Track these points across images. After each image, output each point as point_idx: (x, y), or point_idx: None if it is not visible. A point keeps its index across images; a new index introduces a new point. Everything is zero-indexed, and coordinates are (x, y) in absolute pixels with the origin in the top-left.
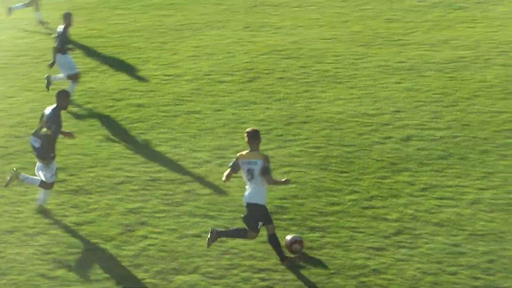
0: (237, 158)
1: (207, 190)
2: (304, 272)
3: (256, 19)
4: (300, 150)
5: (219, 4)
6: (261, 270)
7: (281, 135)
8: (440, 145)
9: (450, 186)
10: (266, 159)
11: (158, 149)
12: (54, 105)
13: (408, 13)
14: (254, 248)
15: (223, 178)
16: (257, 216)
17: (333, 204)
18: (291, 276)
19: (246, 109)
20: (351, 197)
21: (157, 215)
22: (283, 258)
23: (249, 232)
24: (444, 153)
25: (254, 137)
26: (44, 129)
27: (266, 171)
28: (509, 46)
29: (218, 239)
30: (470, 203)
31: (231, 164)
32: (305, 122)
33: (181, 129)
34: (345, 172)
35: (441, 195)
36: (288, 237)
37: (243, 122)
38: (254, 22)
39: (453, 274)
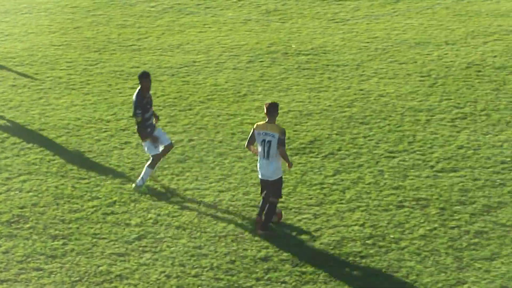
0: (254, 129)
1: None
2: (44, 281)
3: None
4: (37, 158)
5: None
6: None
7: (16, 143)
8: (177, 148)
9: (190, 189)
10: (282, 132)
11: None
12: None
13: (140, 18)
14: None
15: (246, 147)
16: (280, 187)
17: (74, 211)
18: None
19: None
20: (92, 203)
21: None
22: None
23: (277, 202)
24: (181, 157)
25: (272, 110)
26: None
27: (282, 143)
28: (239, 50)
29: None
30: (210, 205)
31: (249, 135)
32: (41, 130)
33: None
34: (85, 178)
35: (181, 199)
36: None
37: None
38: None
39: (197, 276)
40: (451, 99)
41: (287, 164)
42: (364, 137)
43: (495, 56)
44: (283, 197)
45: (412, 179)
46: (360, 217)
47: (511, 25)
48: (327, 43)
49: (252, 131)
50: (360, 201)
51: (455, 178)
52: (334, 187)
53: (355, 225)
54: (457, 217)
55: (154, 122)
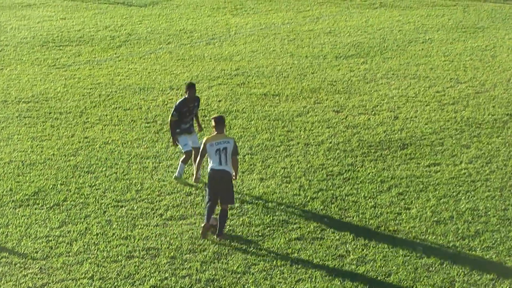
0: (204, 143)
1: None
2: None
3: None
4: None
5: None
6: None
7: None
8: None
9: None
10: (235, 141)
11: None
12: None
13: None
14: None
15: (194, 171)
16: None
17: None
18: None
19: None
20: None
21: None
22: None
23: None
24: None
25: (222, 121)
26: None
27: (236, 152)
28: None
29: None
30: None
31: (200, 150)
32: None
33: None
34: None
35: None
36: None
37: None
38: None
39: None
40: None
41: (233, 175)
42: (90, 186)
43: (219, 101)
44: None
45: (141, 228)
46: (89, 269)
47: (234, 69)
48: (49, 90)
49: (203, 146)
50: (88, 253)
51: (185, 226)
52: (61, 239)
53: (84, 278)
54: (187, 266)
55: (193, 129)
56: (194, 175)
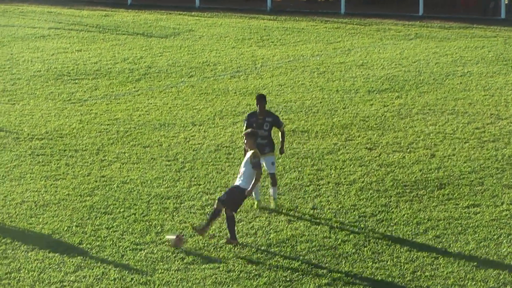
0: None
1: None
2: None
3: None
4: None
5: None
6: None
7: None
8: None
9: None
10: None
11: None
12: None
13: None
14: None
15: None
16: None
17: None
18: None
19: None
20: None
21: None
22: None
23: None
24: None
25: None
26: None
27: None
28: None
29: None
30: None
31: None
32: None
33: None
34: None
35: None
36: None
37: None
38: None
39: None
40: (200, 185)
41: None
42: (107, 228)
43: None
44: None
45: (161, 272)
46: None
47: None
48: (63, 126)
49: (260, 161)
50: None
51: (208, 271)
52: (76, 284)
53: None
54: None
55: (268, 150)
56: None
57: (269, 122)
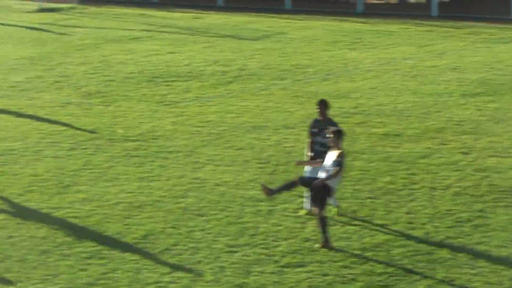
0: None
1: None
2: None
3: None
4: None
5: None
6: None
7: None
8: None
9: None
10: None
11: None
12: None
13: None
14: None
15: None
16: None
17: None
18: None
19: None
20: None
21: None
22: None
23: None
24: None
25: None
26: None
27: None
28: (59, 136)
29: None
30: None
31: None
32: None
33: None
34: None
35: None
36: None
37: None
38: None
39: None
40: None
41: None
42: (202, 230)
43: None
44: None
45: (256, 275)
46: None
47: (352, 107)
48: (157, 128)
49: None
50: None
51: (303, 274)
52: (172, 286)
53: None
54: None
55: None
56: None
57: (327, 128)
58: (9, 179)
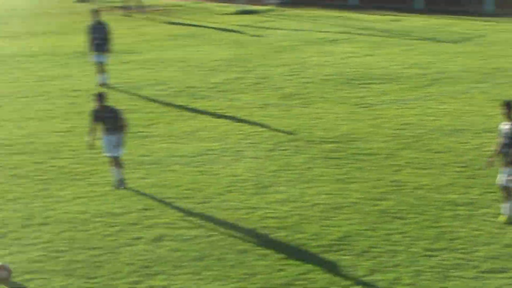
0: None
1: None
2: None
3: None
4: (41, 255)
5: None
6: None
7: (18, 239)
8: (194, 245)
9: None
10: None
11: None
12: None
13: (148, 103)
14: None
15: None
16: None
17: None
18: None
19: None
20: None
21: None
22: None
23: None
24: (199, 254)
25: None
26: None
27: None
28: (258, 137)
29: None
30: None
31: None
32: (44, 224)
33: None
34: (93, 277)
35: None
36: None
37: None
38: None
39: None
40: (495, 192)
41: None
42: (400, 233)
43: None
44: None
45: (454, 280)
46: None
47: None
48: (354, 130)
49: None
50: None
51: (503, 280)
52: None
53: None
54: None
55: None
56: None
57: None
58: (208, 178)
